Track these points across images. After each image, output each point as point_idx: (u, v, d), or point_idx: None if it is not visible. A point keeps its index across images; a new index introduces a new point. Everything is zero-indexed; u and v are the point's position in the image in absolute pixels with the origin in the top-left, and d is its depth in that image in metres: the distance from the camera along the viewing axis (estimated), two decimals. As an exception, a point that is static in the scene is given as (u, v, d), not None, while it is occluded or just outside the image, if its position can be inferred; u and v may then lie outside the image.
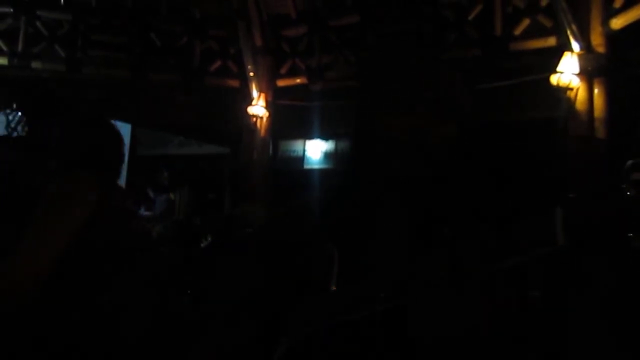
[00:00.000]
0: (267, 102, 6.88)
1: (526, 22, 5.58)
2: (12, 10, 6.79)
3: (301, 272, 0.87)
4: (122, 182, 1.78)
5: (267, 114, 6.90)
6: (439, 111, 0.89)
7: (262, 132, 6.97)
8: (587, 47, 4.90)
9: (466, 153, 0.93)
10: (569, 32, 4.92)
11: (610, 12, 4.86)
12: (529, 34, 5.56)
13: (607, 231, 0.76)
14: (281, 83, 7.07)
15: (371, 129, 0.93)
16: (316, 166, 7.10)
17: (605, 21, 4.85)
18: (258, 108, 6.84)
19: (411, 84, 0.90)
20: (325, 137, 7.02)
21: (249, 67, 6.90)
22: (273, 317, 0.87)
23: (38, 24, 6.89)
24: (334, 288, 0.83)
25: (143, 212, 8.13)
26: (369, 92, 0.97)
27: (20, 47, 6.79)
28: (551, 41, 5.34)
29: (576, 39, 4.90)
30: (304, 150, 7.28)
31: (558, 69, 4.90)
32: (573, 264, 0.80)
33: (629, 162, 2.85)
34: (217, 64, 7.25)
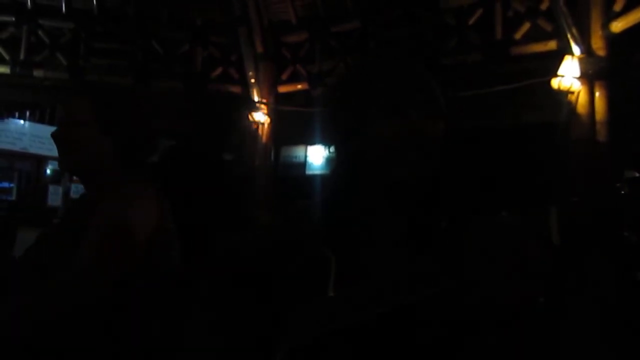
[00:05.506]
0: (268, 108, 6.88)
1: (527, 26, 5.58)
2: (14, 19, 6.81)
3: (297, 277, 0.87)
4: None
5: (268, 120, 6.91)
6: (425, 113, 0.89)
7: (264, 138, 6.98)
8: (587, 51, 4.89)
9: (457, 158, 0.93)
10: (569, 35, 4.91)
11: (610, 16, 4.86)
12: (529, 38, 5.56)
13: (602, 229, 0.75)
14: (282, 89, 7.08)
15: (361, 132, 0.93)
16: (318, 172, 7.10)
17: (605, 24, 4.85)
18: (259, 114, 6.85)
19: (396, 87, 0.90)
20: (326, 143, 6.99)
21: (250, 73, 6.91)
22: (273, 320, 0.87)
23: (40, 32, 6.90)
24: (331, 293, 0.83)
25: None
26: (357, 96, 0.97)
27: (22, 55, 6.80)
28: (552, 45, 5.34)
29: (577, 43, 4.90)
30: (305, 156, 7.27)
31: (559, 72, 4.90)
32: (570, 262, 0.79)
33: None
34: (219, 70, 7.27)
